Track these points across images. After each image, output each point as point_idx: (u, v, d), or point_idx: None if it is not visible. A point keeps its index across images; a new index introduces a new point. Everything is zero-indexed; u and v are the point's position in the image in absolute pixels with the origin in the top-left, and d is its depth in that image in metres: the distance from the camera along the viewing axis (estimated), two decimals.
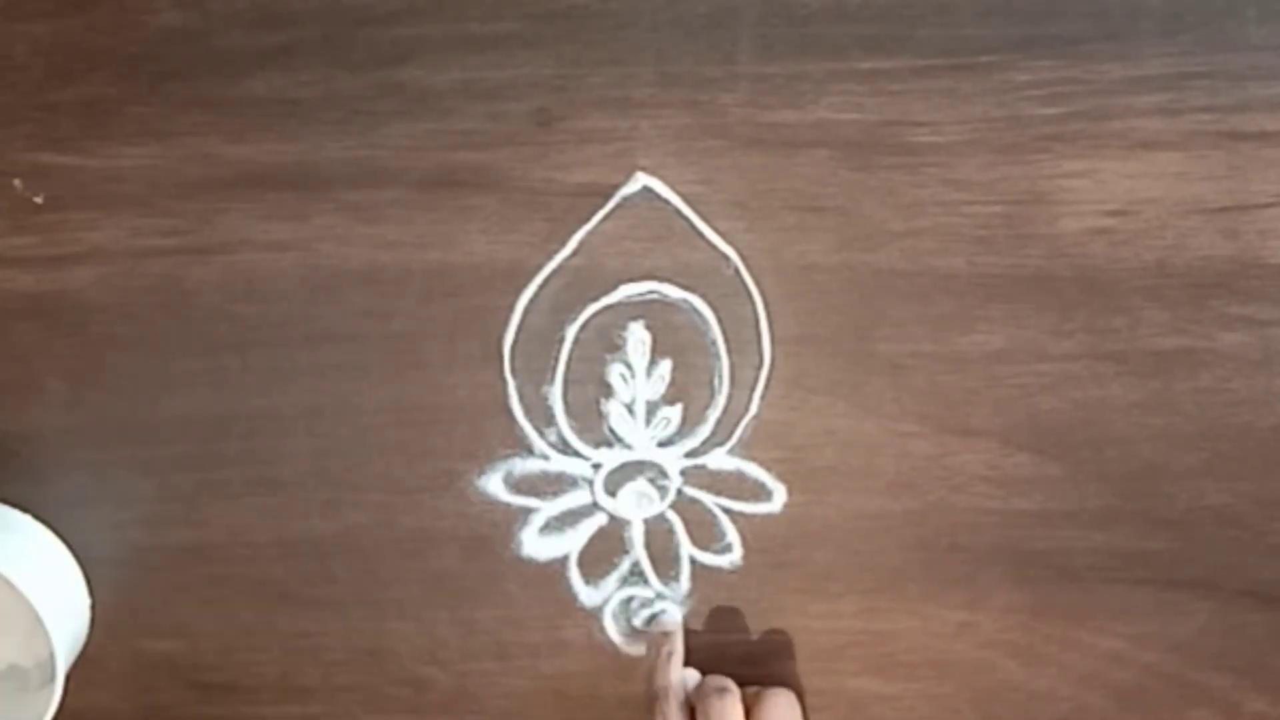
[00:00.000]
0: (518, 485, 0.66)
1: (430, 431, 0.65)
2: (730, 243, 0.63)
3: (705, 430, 0.65)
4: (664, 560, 0.67)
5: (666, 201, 0.62)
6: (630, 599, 0.67)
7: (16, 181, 0.64)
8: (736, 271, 0.63)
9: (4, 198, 0.64)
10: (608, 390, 0.64)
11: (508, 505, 0.66)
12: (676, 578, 0.67)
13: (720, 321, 0.63)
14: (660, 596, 0.67)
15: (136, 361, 0.65)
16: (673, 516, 0.66)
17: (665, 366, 0.64)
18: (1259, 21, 0.60)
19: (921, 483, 0.65)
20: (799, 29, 0.61)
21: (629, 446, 0.65)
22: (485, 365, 0.64)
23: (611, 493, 0.66)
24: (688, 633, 0.67)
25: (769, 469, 0.65)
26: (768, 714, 0.61)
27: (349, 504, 0.66)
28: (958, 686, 0.67)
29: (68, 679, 0.63)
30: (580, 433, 0.65)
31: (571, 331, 0.64)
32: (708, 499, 0.65)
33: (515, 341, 0.64)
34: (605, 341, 0.64)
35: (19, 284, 0.65)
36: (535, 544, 0.66)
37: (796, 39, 0.61)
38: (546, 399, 0.64)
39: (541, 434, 0.65)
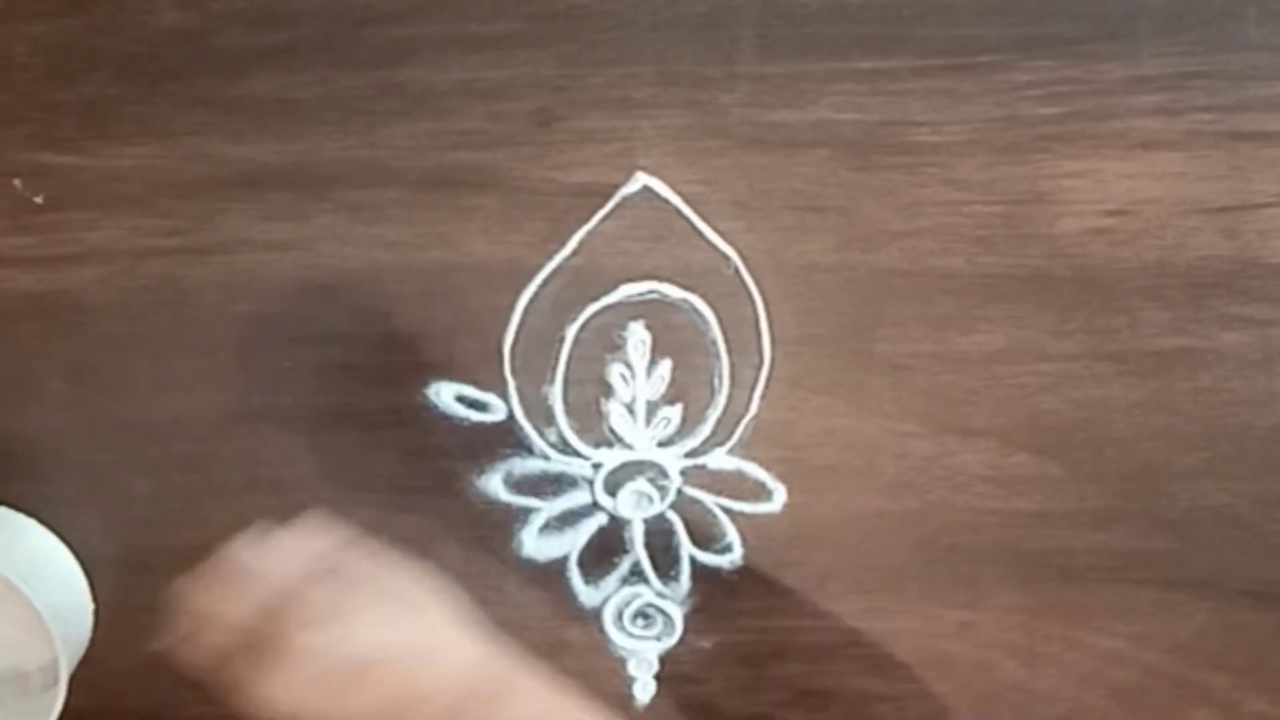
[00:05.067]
0: (518, 485, 0.66)
1: (430, 431, 0.65)
2: (730, 243, 0.63)
3: (705, 430, 0.65)
4: (664, 560, 0.67)
5: (666, 201, 0.62)
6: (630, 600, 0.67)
7: (16, 181, 0.64)
8: (736, 271, 0.63)
9: (4, 198, 0.64)
10: (608, 390, 0.64)
11: (508, 505, 0.66)
12: (676, 578, 0.67)
13: (720, 321, 0.63)
14: (661, 596, 0.67)
15: (136, 361, 0.65)
16: (673, 516, 0.66)
17: (665, 366, 0.64)
18: (1259, 21, 0.60)
19: (921, 483, 0.65)
20: (799, 29, 0.61)
21: (629, 446, 0.65)
22: (485, 365, 0.64)
23: (611, 493, 0.66)
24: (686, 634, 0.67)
25: (769, 469, 0.65)
26: None
27: (349, 504, 0.66)
28: (958, 686, 0.67)
29: (69, 680, 0.63)
30: (580, 433, 0.65)
31: (571, 331, 0.64)
32: (708, 499, 0.65)
33: (515, 341, 0.64)
34: (605, 341, 0.64)
35: (19, 284, 0.65)
36: (535, 544, 0.66)
37: (796, 39, 0.61)
38: (546, 399, 0.64)
39: (541, 434, 0.65)
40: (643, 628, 0.67)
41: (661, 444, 0.65)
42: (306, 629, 0.50)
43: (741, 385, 0.64)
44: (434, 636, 0.52)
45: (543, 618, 0.67)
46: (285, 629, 0.50)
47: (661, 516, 0.66)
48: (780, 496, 0.65)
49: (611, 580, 0.67)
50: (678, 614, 0.67)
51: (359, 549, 0.54)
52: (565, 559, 0.66)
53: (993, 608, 0.66)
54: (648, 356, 0.64)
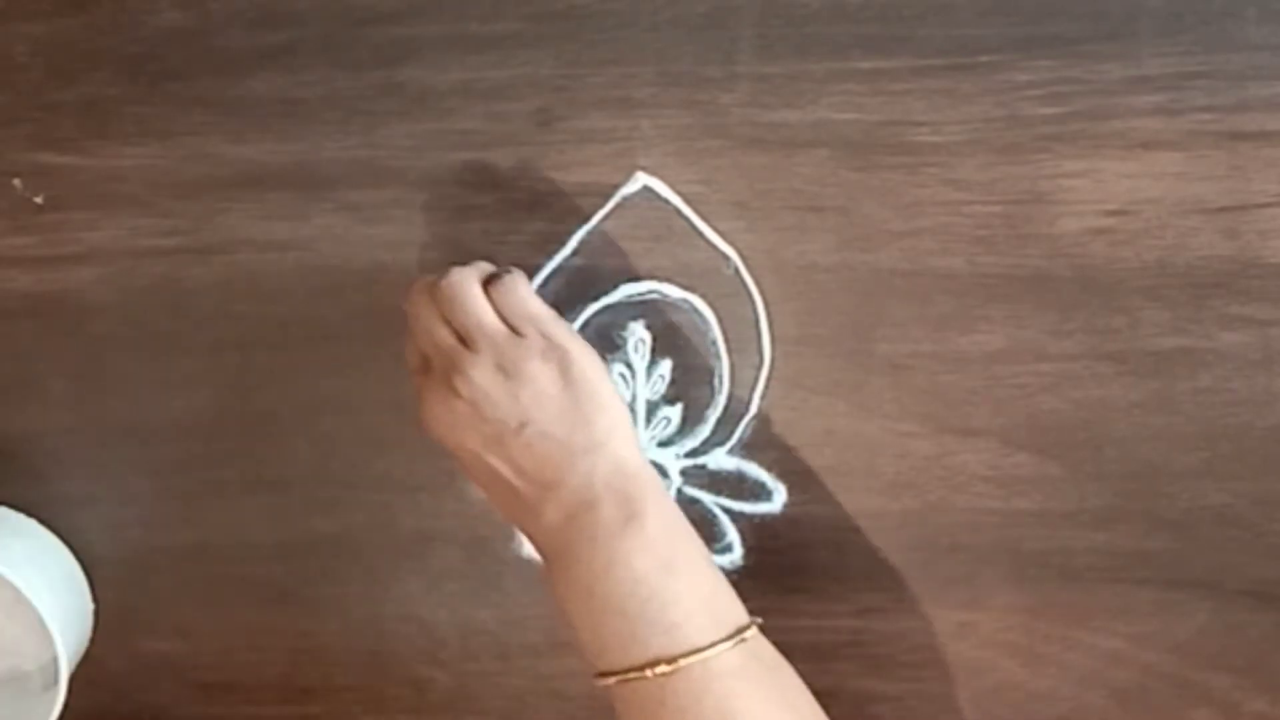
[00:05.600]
0: None
1: None
2: (730, 243, 0.63)
3: (705, 430, 0.65)
4: None
5: (666, 201, 0.62)
6: None
7: (16, 181, 0.64)
8: (736, 271, 0.63)
9: (4, 198, 0.64)
10: None
11: None
12: None
13: (720, 321, 0.63)
14: None
15: (136, 361, 0.65)
16: None
17: (665, 366, 0.64)
18: (1259, 21, 0.60)
19: (921, 483, 0.65)
20: (799, 29, 0.61)
21: None
22: None
23: None
24: None
25: (769, 469, 0.65)
26: (501, 297, 0.58)
27: (349, 504, 0.66)
28: (958, 686, 0.67)
29: (69, 680, 0.63)
30: None
31: None
32: (708, 499, 0.65)
33: None
34: (605, 341, 0.64)
35: (19, 284, 0.65)
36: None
37: (796, 39, 0.61)
38: None
39: None
40: None
41: (661, 444, 0.65)
42: (475, 377, 0.55)
43: (741, 385, 0.64)
44: (587, 433, 0.56)
45: (543, 618, 0.67)
46: (458, 369, 0.55)
47: None
48: (780, 496, 0.65)
49: None
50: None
51: (555, 324, 0.58)
52: None
53: (993, 608, 0.66)
54: (648, 356, 0.64)
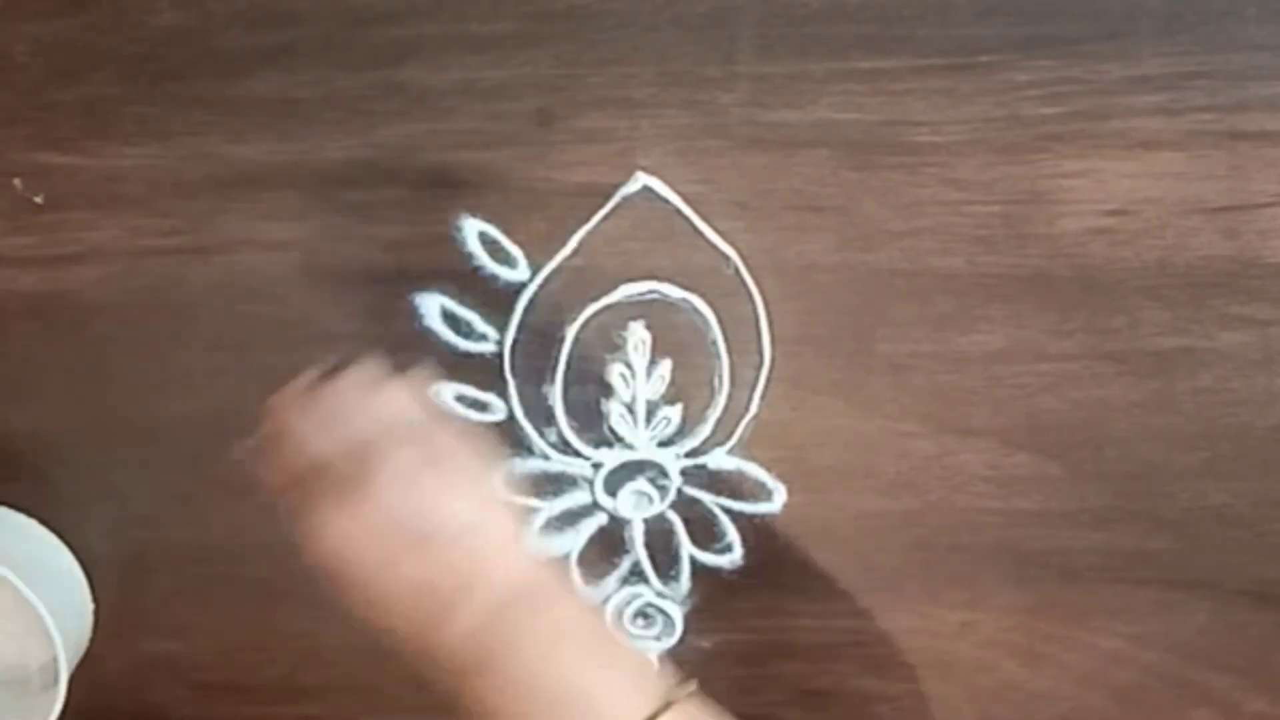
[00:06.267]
0: (518, 485, 0.65)
1: None
2: (730, 243, 0.63)
3: (705, 430, 0.65)
4: (664, 560, 0.67)
5: (666, 201, 0.62)
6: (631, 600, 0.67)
7: (16, 181, 0.64)
8: (736, 271, 0.63)
9: (4, 198, 0.64)
10: (608, 390, 0.64)
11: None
12: (676, 578, 0.67)
13: (720, 321, 0.63)
14: (661, 596, 0.67)
15: (136, 361, 0.65)
16: (673, 516, 0.66)
17: (665, 366, 0.64)
18: (1259, 21, 0.60)
19: (921, 483, 0.65)
20: (799, 29, 0.61)
21: (629, 446, 0.65)
22: (485, 365, 0.64)
23: (611, 493, 0.66)
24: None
25: (769, 469, 0.65)
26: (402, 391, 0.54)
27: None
28: (958, 686, 0.67)
29: (69, 680, 0.63)
30: (580, 433, 0.65)
31: (571, 331, 0.63)
32: (708, 499, 0.65)
33: (515, 341, 0.64)
34: (605, 341, 0.64)
35: (19, 284, 0.65)
36: (535, 544, 0.66)
37: (796, 39, 0.61)
38: (546, 399, 0.64)
39: (541, 434, 0.65)
40: (643, 628, 0.67)
41: (661, 444, 0.65)
42: (384, 483, 0.51)
43: (741, 385, 0.64)
44: (497, 531, 0.52)
45: None
46: (364, 476, 0.51)
47: (661, 516, 0.66)
48: (780, 496, 0.65)
49: (611, 580, 0.67)
50: (678, 614, 0.67)
51: (450, 423, 0.55)
52: (565, 559, 0.66)
53: (993, 608, 0.66)
54: (648, 356, 0.64)
